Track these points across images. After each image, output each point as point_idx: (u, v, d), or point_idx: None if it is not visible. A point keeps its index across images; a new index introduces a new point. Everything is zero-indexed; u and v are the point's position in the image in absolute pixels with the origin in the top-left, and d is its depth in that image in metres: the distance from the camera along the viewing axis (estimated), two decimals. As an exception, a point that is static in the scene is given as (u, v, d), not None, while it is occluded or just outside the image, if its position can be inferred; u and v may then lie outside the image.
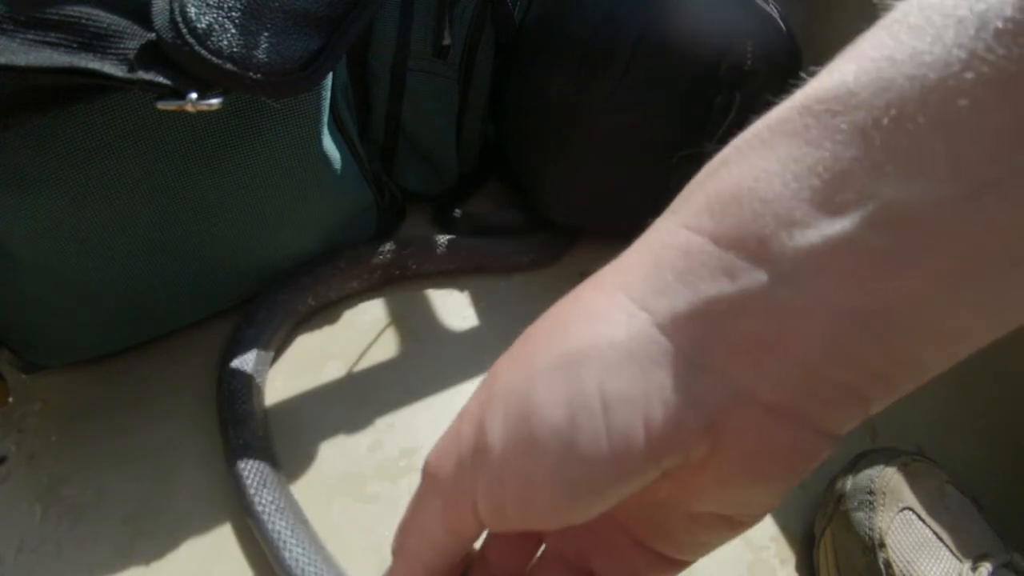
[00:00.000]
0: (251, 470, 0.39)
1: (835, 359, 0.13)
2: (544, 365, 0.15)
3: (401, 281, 0.54)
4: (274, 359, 0.48)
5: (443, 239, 0.54)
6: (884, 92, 0.12)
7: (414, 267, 0.54)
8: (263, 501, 0.37)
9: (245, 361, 0.44)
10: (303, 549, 0.36)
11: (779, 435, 0.14)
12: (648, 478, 0.15)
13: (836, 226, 0.13)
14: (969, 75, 0.12)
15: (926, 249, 0.12)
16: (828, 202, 0.13)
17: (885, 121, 0.12)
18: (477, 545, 0.21)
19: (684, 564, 0.19)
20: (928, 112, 0.12)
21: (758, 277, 0.13)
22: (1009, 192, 0.12)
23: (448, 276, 0.55)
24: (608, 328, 0.15)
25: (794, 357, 0.14)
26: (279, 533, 0.36)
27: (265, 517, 0.37)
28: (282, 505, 0.38)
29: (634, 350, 0.14)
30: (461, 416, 0.17)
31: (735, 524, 0.17)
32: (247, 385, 0.43)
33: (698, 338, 0.14)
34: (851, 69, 0.13)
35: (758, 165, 0.14)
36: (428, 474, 0.18)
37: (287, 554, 0.36)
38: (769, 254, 0.13)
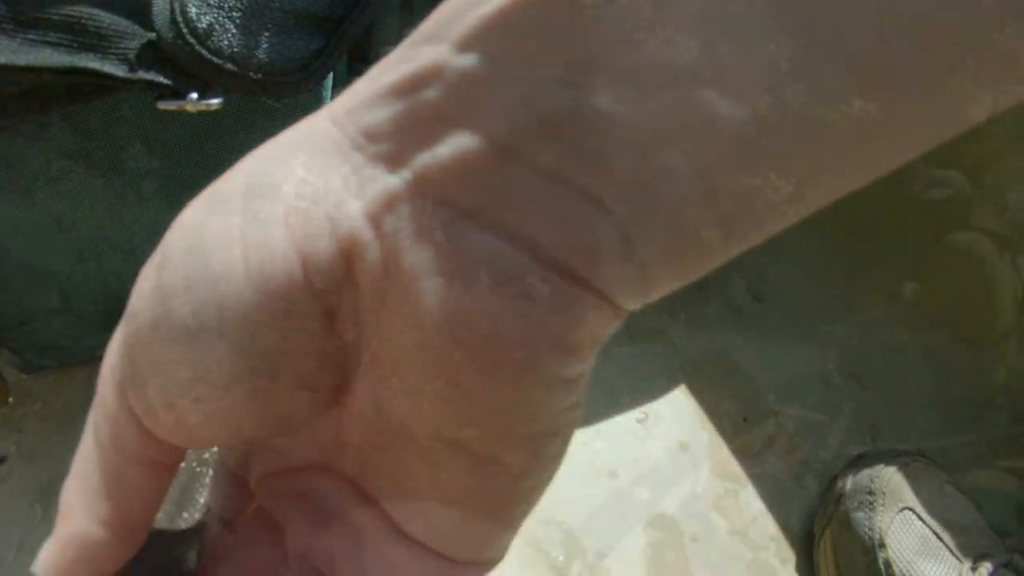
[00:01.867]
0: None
1: (536, 135, 0.10)
2: (208, 193, 0.13)
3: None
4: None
5: None
6: None
7: None
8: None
9: None
10: None
11: (475, 254, 0.11)
12: (305, 307, 0.12)
13: None
14: None
15: None
16: None
17: None
18: None
19: None
20: None
21: (436, 50, 0.11)
22: None
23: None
24: (284, 136, 0.14)
25: (480, 130, 0.11)
26: None
27: None
28: None
29: (297, 142, 0.13)
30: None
31: (482, 461, 0.12)
32: None
33: (369, 123, 0.12)
34: None
35: None
36: (99, 379, 0.14)
37: None
38: (450, 30, 0.11)
